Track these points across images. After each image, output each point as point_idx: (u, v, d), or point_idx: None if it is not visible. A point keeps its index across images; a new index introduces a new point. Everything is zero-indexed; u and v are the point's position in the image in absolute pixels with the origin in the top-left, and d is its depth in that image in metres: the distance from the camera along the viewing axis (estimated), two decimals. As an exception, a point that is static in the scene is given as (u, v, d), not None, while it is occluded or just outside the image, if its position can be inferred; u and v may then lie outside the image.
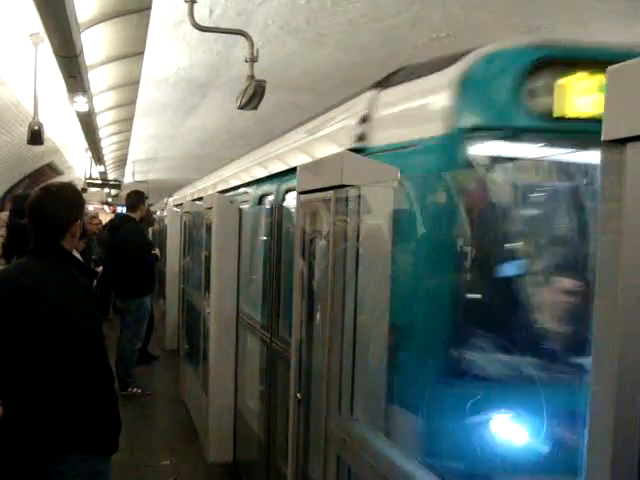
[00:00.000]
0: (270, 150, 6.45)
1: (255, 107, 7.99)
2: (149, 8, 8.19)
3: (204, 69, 11.64)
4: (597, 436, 1.48)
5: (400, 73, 3.76)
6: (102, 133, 15.91)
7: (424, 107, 3.43)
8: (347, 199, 3.15)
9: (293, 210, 4.83)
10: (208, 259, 7.70)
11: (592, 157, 2.19)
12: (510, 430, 2.94)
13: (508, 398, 2.98)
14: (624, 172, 1.38)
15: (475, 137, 3.02)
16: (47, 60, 8.59)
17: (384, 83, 3.77)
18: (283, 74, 11.18)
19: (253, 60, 7.77)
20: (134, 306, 10.25)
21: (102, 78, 11.38)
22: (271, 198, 5.90)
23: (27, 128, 10.56)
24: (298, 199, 3.84)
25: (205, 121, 16.47)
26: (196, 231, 9.53)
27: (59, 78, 8.81)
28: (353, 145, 3.61)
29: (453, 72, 3.19)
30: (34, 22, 6.91)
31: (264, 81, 7.60)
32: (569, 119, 3.01)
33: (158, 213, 20.22)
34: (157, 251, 11.85)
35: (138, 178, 28.19)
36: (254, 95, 7.67)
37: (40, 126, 10.41)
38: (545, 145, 3.09)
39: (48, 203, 3.76)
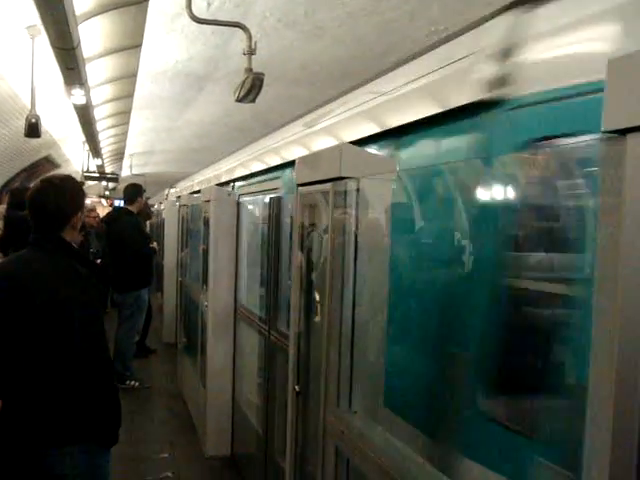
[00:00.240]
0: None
1: (253, 100, 7.97)
2: (147, 0, 8.17)
3: (202, 62, 11.61)
4: (597, 431, 1.48)
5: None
6: (99, 126, 15.87)
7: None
8: (352, 190, 3.13)
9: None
10: (206, 252, 7.70)
11: None
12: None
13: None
14: (624, 163, 1.38)
15: None
16: (44, 52, 8.57)
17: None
18: (281, 67, 11.16)
19: (251, 53, 7.75)
20: (132, 299, 10.25)
21: (99, 71, 11.35)
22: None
23: (24, 121, 10.55)
24: (296, 191, 3.83)
25: (203, 114, 16.44)
26: (194, 224, 9.52)
27: (56, 70, 8.78)
28: (485, 96, 2.67)
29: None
30: (31, 14, 6.89)
31: (262, 74, 7.59)
32: None
33: (156, 206, 20.20)
34: (155, 244, 11.84)
35: (135, 171, 28.14)
36: (252, 88, 7.65)
37: (37, 119, 10.39)
38: None
39: (50, 195, 3.75)
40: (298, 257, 3.94)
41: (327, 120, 4.88)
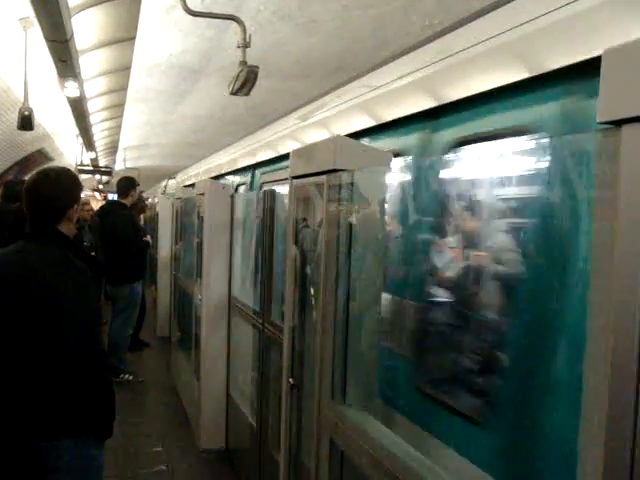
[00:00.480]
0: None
1: (247, 93, 7.96)
2: (140, -8, 8.17)
3: (196, 55, 11.59)
4: (591, 423, 1.48)
5: None
6: (93, 119, 15.84)
7: None
8: (346, 183, 3.12)
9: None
10: (200, 245, 7.69)
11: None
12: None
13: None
14: (619, 154, 1.37)
15: None
16: (37, 45, 8.54)
17: None
18: (275, 60, 11.14)
19: (245, 46, 7.74)
20: (125, 292, 10.23)
21: (93, 63, 11.33)
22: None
23: (17, 114, 10.52)
24: (290, 184, 3.83)
25: (197, 108, 16.42)
26: (188, 217, 9.50)
27: (49, 63, 8.75)
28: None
29: None
30: (24, 6, 6.87)
31: (256, 67, 7.58)
32: None
33: (150, 200, 20.14)
34: (148, 237, 11.82)
35: (129, 165, 28.10)
36: (246, 81, 7.64)
37: (30, 111, 10.36)
38: None
39: (46, 187, 3.75)
40: (292, 250, 3.94)
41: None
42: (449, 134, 3.00)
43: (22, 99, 10.39)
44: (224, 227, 7.31)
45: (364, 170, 3.07)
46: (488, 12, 3.06)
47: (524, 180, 2.50)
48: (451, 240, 3.05)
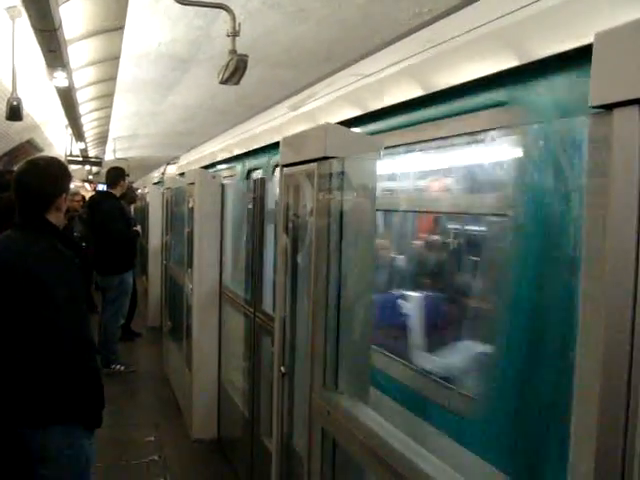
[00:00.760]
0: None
1: (237, 82, 7.94)
2: (129, -19, 8.13)
3: (185, 44, 11.54)
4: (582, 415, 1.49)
5: None
6: (82, 109, 15.78)
7: None
8: (337, 170, 3.12)
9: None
10: (191, 235, 7.68)
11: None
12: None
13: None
14: (611, 139, 1.37)
15: None
16: (25, 34, 8.49)
17: None
18: (265, 49, 11.11)
19: (235, 35, 7.72)
20: (116, 283, 10.22)
21: (82, 53, 11.28)
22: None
23: (5, 104, 10.47)
24: (281, 172, 3.82)
25: (186, 97, 16.36)
26: (178, 207, 9.48)
27: (38, 53, 8.71)
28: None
29: None
30: (11, -5, 6.84)
31: (246, 55, 7.56)
32: None
33: (140, 190, 20.07)
34: (138, 227, 11.80)
35: (119, 155, 28.03)
36: (236, 70, 7.62)
37: (19, 101, 10.31)
38: None
39: (34, 176, 3.78)
40: (283, 239, 3.93)
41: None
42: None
43: (10, 89, 10.33)
44: (214, 216, 7.30)
45: (355, 157, 3.07)
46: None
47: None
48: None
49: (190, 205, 7.78)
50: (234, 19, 7.69)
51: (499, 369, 2.55)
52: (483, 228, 3.14)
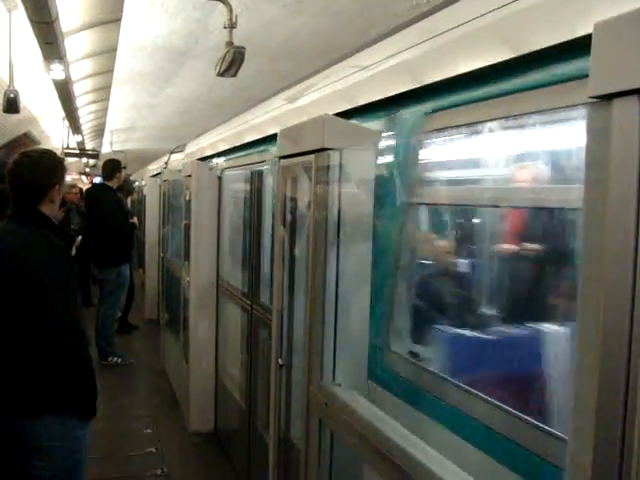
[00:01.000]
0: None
1: (234, 74, 7.92)
2: (126, -27, 8.10)
3: (182, 36, 11.50)
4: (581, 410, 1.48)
5: None
6: (79, 102, 15.75)
7: None
8: (335, 162, 3.11)
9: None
10: (188, 227, 7.68)
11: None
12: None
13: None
14: (610, 129, 1.37)
15: None
16: (22, 26, 8.46)
17: None
18: (262, 41, 11.07)
19: (232, 27, 7.69)
20: (113, 275, 10.21)
21: (79, 45, 11.23)
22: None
23: (2, 97, 10.44)
24: (278, 164, 3.82)
25: (183, 90, 16.32)
26: (175, 199, 9.47)
27: (34, 45, 8.68)
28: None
29: None
30: (7, -13, 6.81)
31: (243, 47, 7.54)
32: None
33: (137, 182, 20.03)
34: (135, 220, 11.79)
35: (116, 148, 27.98)
36: (233, 62, 7.60)
37: (16, 94, 10.28)
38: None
39: (27, 168, 3.81)
40: (280, 231, 3.93)
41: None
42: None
43: (7, 82, 10.30)
44: (212, 209, 7.30)
45: (353, 149, 3.07)
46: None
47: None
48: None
49: (187, 197, 7.78)
50: (231, 11, 7.67)
51: None
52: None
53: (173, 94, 16.93)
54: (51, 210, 3.83)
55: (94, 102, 17.85)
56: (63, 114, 16.18)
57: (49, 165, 3.88)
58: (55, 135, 21.61)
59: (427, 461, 2.23)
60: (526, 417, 2.14)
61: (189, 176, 7.59)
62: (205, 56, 11.97)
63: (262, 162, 5.50)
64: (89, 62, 12.91)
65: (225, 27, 7.70)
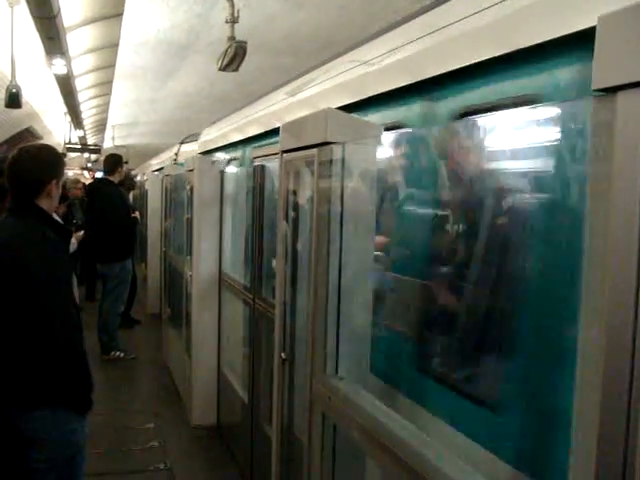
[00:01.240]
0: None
1: (236, 69, 7.93)
2: (128, -32, 8.10)
3: (184, 31, 11.52)
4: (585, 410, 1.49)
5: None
6: (81, 97, 15.77)
7: None
8: (338, 156, 3.10)
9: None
10: (190, 221, 7.68)
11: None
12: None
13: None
14: (615, 122, 1.37)
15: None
16: (24, 21, 8.46)
17: None
18: (264, 36, 11.08)
19: (234, 21, 7.71)
20: (116, 270, 10.21)
21: (81, 40, 11.24)
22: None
23: (4, 92, 10.45)
24: (281, 158, 3.81)
25: (185, 85, 16.34)
26: (178, 194, 9.47)
27: (36, 40, 8.69)
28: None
29: None
30: (9, -18, 6.81)
31: (245, 42, 7.55)
32: None
33: (139, 177, 19.98)
34: (137, 214, 11.79)
35: (118, 143, 28.00)
36: (235, 56, 7.62)
37: (18, 89, 10.30)
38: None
39: (24, 163, 3.85)
40: (283, 225, 3.93)
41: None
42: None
43: (9, 77, 10.31)
44: (214, 203, 7.30)
45: (355, 143, 3.07)
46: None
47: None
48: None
49: (189, 192, 7.78)
50: (233, 5, 7.68)
51: None
52: None
53: (175, 89, 16.95)
54: (49, 204, 3.86)
55: (96, 97, 17.87)
56: (65, 109, 16.20)
57: (46, 160, 3.91)
58: (57, 130, 21.64)
59: (430, 454, 2.23)
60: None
61: (191, 170, 7.59)
62: (207, 50, 11.98)
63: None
64: (91, 57, 12.92)
65: (227, 22, 7.71)
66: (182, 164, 9.83)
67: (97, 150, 26.05)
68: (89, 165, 34.20)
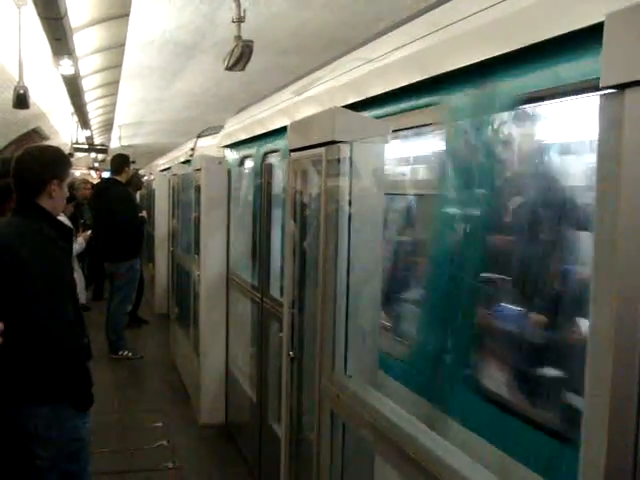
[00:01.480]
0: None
1: (243, 68, 7.94)
2: (134, -32, 8.12)
3: (190, 31, 11.53)
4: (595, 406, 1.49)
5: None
6: (88, 97, 15.80)
7: None
8: (346, 154, 3.11)
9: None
10: (197, 221, 7.69)
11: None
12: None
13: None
14: (623, 120, 1.36)
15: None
16: (31, 22, 8.49)
17: None
18: (270, 36, 11.08)
19: (240, 20, 7.72)
20: (124, 270, 10.24)
21: (87, 40, 11.27)
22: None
23: (12, 92, 10.47)
24: (289, 157, 3.82)
25: (192, 84, 16.36)
26: (185, 193, 9.48)
27: (44, 41, 8.71)
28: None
29: None
30: (17, -17, 6.83)
31: (251, 41, 7.56)
32: None
33: (146, 177, 20.00)
34: (144, 213, 11.82)
35: (125, 142, 28.05)
36: (242, 56, 7.63)
37: (25, 90, 10.33)
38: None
39: (26, 162, 3.90)
40: (291, 224, 3.93)
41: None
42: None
43: (17, 77, 10.34)
44: (221, 203, 7.31)
45: (363, 141, 3.07)
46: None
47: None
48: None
49: (196, 191, 7.78)
50: (239, 5, 7.69)
51: None
52: None
53: (181, 88, 16.98)
54: (52, 204, 3.89)
55: (103, 97, 17.91)
56: (72, 109, 16.23)
57: (48, 160, 3.94)
58: (64, 130, 21.68)
59: (440, 452, 2.23)
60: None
61: (198, 170, 7.60)
62: (213, 50, 11.99)
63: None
64: (98, 57, 12.95)
65: (233, 21, 7.72)
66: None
67: (104, 150, 26.10)
68: (96, 165, 34.25)
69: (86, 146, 23.70)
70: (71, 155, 20.04)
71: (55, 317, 3.70)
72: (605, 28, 1.39)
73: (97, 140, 26.84)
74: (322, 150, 3.20)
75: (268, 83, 10.32)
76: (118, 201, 10.13)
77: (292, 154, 3.77)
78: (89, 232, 9.18)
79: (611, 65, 1.39)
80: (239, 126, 7.46)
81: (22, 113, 13.22)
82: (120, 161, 10.62)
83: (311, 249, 3.68)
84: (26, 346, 3.64)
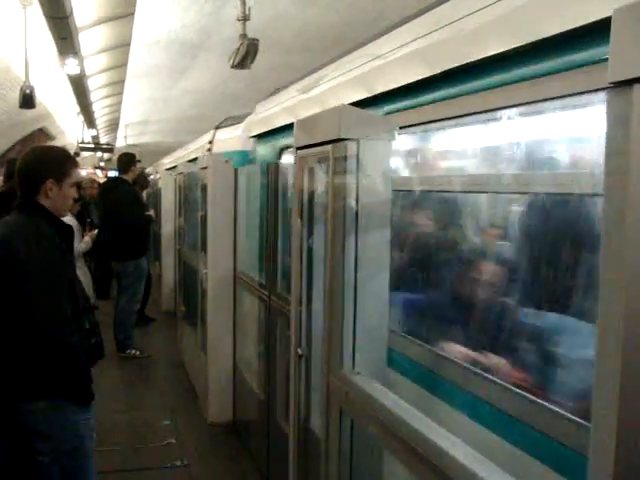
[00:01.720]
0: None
1: (248, 66, 7.94)
2: (139, -33, 8.13)
3: (195, 30, 11.56)
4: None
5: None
6: (94, 96, 15.82)
7: None
8: (352, 152, 3.11)
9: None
10: (204, 219, 7.69)
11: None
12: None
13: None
14: (631, 115, 1.36)
15: None
16: (37, 22, 8.51)
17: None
18: (275, 34, 11.10)
19: (245, 19, 7.73)
20: (131, 268, 10.24)
21: (93, 40, 11.29)
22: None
23: (18, 92, 10.50)
24: (296, 155, 3.82)
25: (197, 83, 16.38)
26: (191, 192, 9.48)
27: (49, 40, 8.73)
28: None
29: None
30: (23, -17, 6.85)
31: (257, 39, 7.56)
32: None
33: (152, 176, 20.01)
34: (152, 212, 11.83)
35: (131, 141, 28.09)
36: (247, 54, 7.63)
37: (32, 89, 10.35)
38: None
39: (25, 161, 3.94)
40: (298, 222, 3.94)
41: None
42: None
43: (23, 77, 10.36)
44: (228, 200, 7.31)
45: (370, 139, 3.07)
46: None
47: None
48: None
49: (203, 190, 7.79)
50: (244, 3, 7.70)
51: None
52: None
53: (187, 87, 17.00)
54: (52, 204, 3.89)
55: (108, 96, 17.94)
56: (78, 109, 16.26)
57: (47, 159, 3.96)
58: (70, 130, 21.73)
59: (451, 449, 2.23)
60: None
61: (205, 168, 7.61)
62: (218, 49, 12.01)
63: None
64: (103, 56, 12.97)
65: (238, 19, 7.73)
66: (225, 154, 8.28)
67: (110, 149, 26.16)
68: (102, 164, 34.32)
69: (92, 145, 23.77)
70: (77, 154, 20.07)
71: (49, 313, 3.69)
72: (612, 23, 1.39)
73: (103, 139, 26.93)
74: (329, 148, 3.20)
75: (274, 81, 10.34)
76: (125, 200, 10.14)
77: (299, 152, 3.77)
78: (96, 231, 9.18)
79: (619, 61, 1.38)
80: (270, 112, 6.67)
81: (28, 113, 13.24)
82: (126, 160, 10.62)
83: (319, 246, 3.68)
84: (20, 342, 3.66)
